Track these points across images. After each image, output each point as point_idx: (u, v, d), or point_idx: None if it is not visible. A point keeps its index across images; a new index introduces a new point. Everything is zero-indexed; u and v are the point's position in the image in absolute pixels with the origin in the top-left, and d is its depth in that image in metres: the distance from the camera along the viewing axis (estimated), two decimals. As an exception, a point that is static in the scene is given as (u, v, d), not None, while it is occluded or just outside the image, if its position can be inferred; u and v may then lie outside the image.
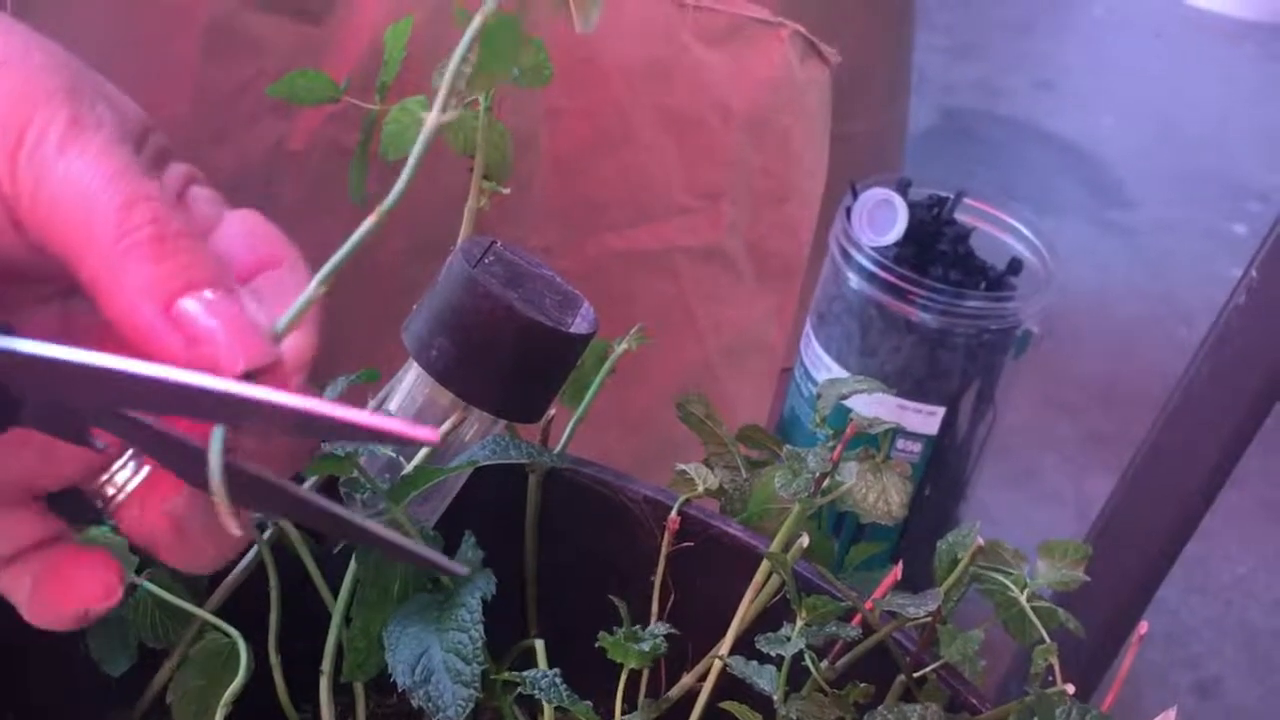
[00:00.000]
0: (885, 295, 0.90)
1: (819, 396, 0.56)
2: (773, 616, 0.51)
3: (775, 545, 0.52)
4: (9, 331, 0.33)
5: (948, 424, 0.93)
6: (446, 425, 0.52)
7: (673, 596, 0.56)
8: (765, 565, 0.52)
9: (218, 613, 0.53)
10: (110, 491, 0.36)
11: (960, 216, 0.97)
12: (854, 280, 0.92)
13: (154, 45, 0.68)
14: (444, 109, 0.35)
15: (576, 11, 0.38)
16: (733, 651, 0.52)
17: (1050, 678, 0.47)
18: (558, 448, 0.57)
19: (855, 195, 0.93)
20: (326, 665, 0.54)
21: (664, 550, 0.55)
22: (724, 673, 0.51)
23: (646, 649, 0.50)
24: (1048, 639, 0.48)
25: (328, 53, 0.71)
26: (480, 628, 0.50)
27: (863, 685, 0.49)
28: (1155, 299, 1.60)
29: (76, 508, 0.38)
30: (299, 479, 0.51)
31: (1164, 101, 2.13)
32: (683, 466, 0.57)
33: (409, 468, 0.52)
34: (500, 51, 0.36)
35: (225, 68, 0.70)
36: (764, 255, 0.84)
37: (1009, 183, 1.80)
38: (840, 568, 0.58)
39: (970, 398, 0.93)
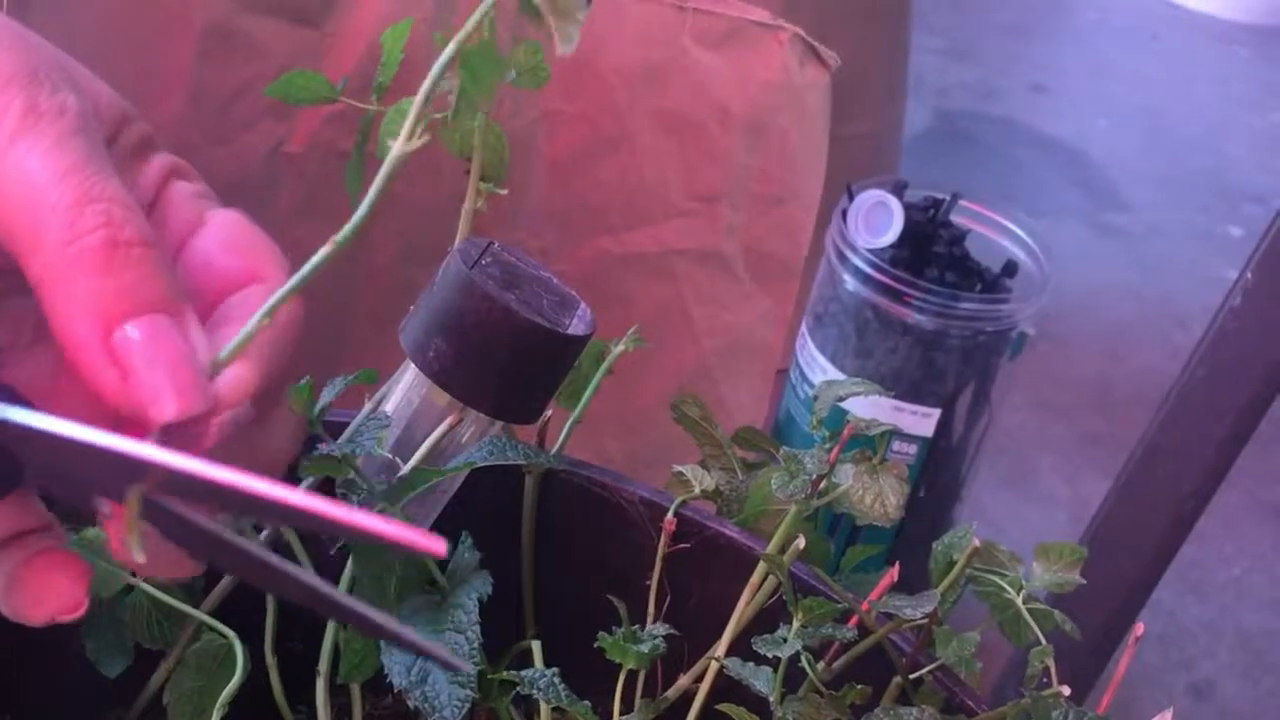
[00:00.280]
0: (881, 297, 0.90)
1: (816, 398, 0.57)
2: (769, 618, 0.51)
3: (772, 547, 0.52)
4: (10, 398, 0.31)
5: (943, 426, 0.93)
6: (443, 427, 0.52)
7: (669, 598, 0.56)
8: (762, 567, 0.52)
9: (214, 613, 0.53)
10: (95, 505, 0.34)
11: (956, 219, 0.97)
12: (850, 282, 0.92)
13: (151, 47, 0.68)
14: (410, 137, 0.34)
15: (558, 33, 0.38)
16: (729, 653, 0.52)
17: (1046, 679, 0.47)
18: (554, 449, 0.57)
19: (851, 197, 0.93)
20: (323, 666, 0.54)
21: (660, 551, 0.55)
22: (720, 674, 0.51)
23: (646, 650, 0.51)
24: (1044, 641, 0.48)
25: (325, 56, 0.71)
26: (477, 629, 0.50)
27: (859, 687, 0.49)
28: (1150, 301, 1.61)
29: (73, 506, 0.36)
30: (295, 480, 0.51)
31: (1158, 104, 2.13)
32: (679, 468, 0.57)
33: (406, 469, 0.52)
34: (481, 78, 0.35)
35: (222, 70, 0.70)
36: (762, 258, 0.84)
37: (1004, 185, 1.81)
38: (836, 570, 0.58)
39: (965, 400, 0.93)
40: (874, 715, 0.47)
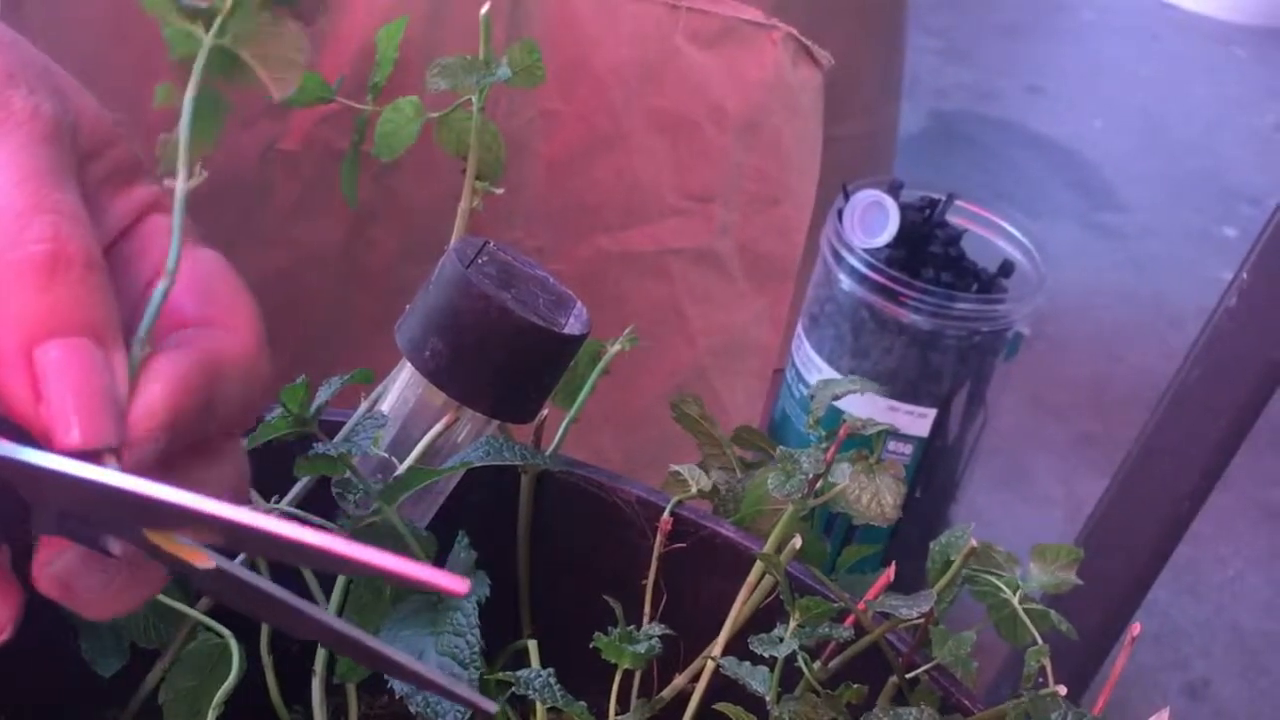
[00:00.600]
0: (877, 297, 0.90)
1: (813, 398, 0.57)
2: (765, 617, 0.51)
3: (768, 546, 0.52)
4: (14, 435, 0.30)
5: (939, 426, 0.93)
6: (439, 426, 0.52)
7: (665, 597, 0.56)
8: (758, 566, 0.52)
9: (210, 613, 0.53)
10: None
11: (951, 219, 0.97)
12: (846, 282, 0.92)
13: (146, 45, 0.68)
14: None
15: (273, 84, 0.38)
16: (725, 652, 0.52)
17: (1042, 679, 0.47)
18: (551, 448, 0.57)
19: (847, 197, 0.93)
20: (319, 666, 0.54)
21: (656, 551, 0.55)
22: (717, 673, 0.51)
23: (642, 650, 0.50)
24: (1040, 640, 0.48)
25: (320, 54, 0.71)
26: (477, 632, 0.50)
27: (855, 686, 0.49)
28: (1146, 302, 1.61)
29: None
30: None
31: (1154, 105, 2.13)
32: (676, 467, 0.57)
33: (401, 468, 0.52)
34: (203, 128, 0.36)
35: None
36: (756, 257, 0.84)
37: (1000, 186, 1.81)
38: (832, 570, 0.58)
39: (961, 400, 0.93)
40: (870, 715, 0.47)
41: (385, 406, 0.53)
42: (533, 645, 0.56)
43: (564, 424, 0.57)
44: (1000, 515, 1.23)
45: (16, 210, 0.30)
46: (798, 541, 0.49)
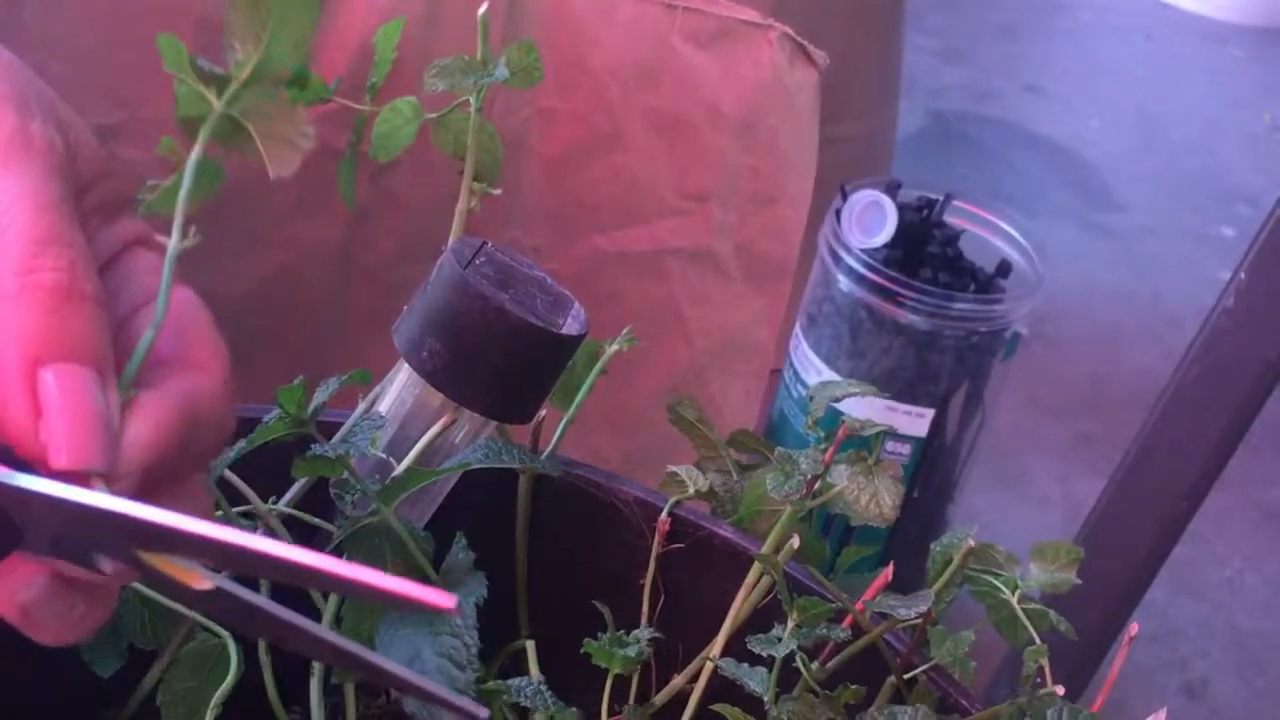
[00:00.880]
0: (874, 297, 0.90)
1: (811, 399, 0.57)
2: (763, 618, 0.51)
3: (766, 547, 0.52)
4: (11, 462, 0.31)
5: (937, 426, 0.93)
6: (437, 427, 0.52)
7: (663, 598, 0.56)
8: (756, 567, 0.52)
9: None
10: None
11: (949, 219, 0.97)
12: (843, 282, 0.92)
13: (144, 44, 0.68)
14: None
15: (270, 159, 0.38)
16: (724, 653, 0.52)
17: (1040, 679, 0.47)
18: (548, 449, 0.57)
19: (845, 197, 0.93)
20: (317, 667, 0.54)
21: (654, 552, 0.55)
22: (715, 674, 0.51)
23: (631, 654, 0.50)
24: (1038, 640, 0.48)
25: (318, 54, 0.71)
26: (474, 633, 0.50)
27: (853, 687, 0.49)
28: (1143, 301, 1.61)
29: None
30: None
31: (1151, 104, 2.13)
32: (673, 468, 0.57)
33: (399, 469, 0.52)
34: (198, 191, 0.37)
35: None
36: (753, 257, 0.84)
37: (998, 186, 1.81)
38: (831, 571, 0.58)
39: (959, 400, 0.93)
40: (868, 715, 0.47)
41: (383, 407, 0.53)
42: (530, 646, 0.56)
43: (562, 424, 0.57)
44: (998, 515, 1.23)
45: (34, 237, 0.31)
46: (796, 542, 0.49)
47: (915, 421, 0.93)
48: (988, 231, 0.98)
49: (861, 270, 0.90)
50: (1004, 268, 0.95)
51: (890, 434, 0.92)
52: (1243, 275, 0.73)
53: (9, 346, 0.31)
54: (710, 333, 0.85)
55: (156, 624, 0.53)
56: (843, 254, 0.91)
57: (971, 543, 0.48)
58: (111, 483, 0.32)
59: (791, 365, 0.99)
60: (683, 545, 0.55)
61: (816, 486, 0.51)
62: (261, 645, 0.54)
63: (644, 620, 0.55)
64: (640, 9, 0.77)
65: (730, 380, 0.87)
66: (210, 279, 0.39)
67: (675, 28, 0.77)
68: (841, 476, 0.51)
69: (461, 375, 0.49)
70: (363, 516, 0.51)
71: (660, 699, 0.55)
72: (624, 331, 0.57)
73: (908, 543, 0.96)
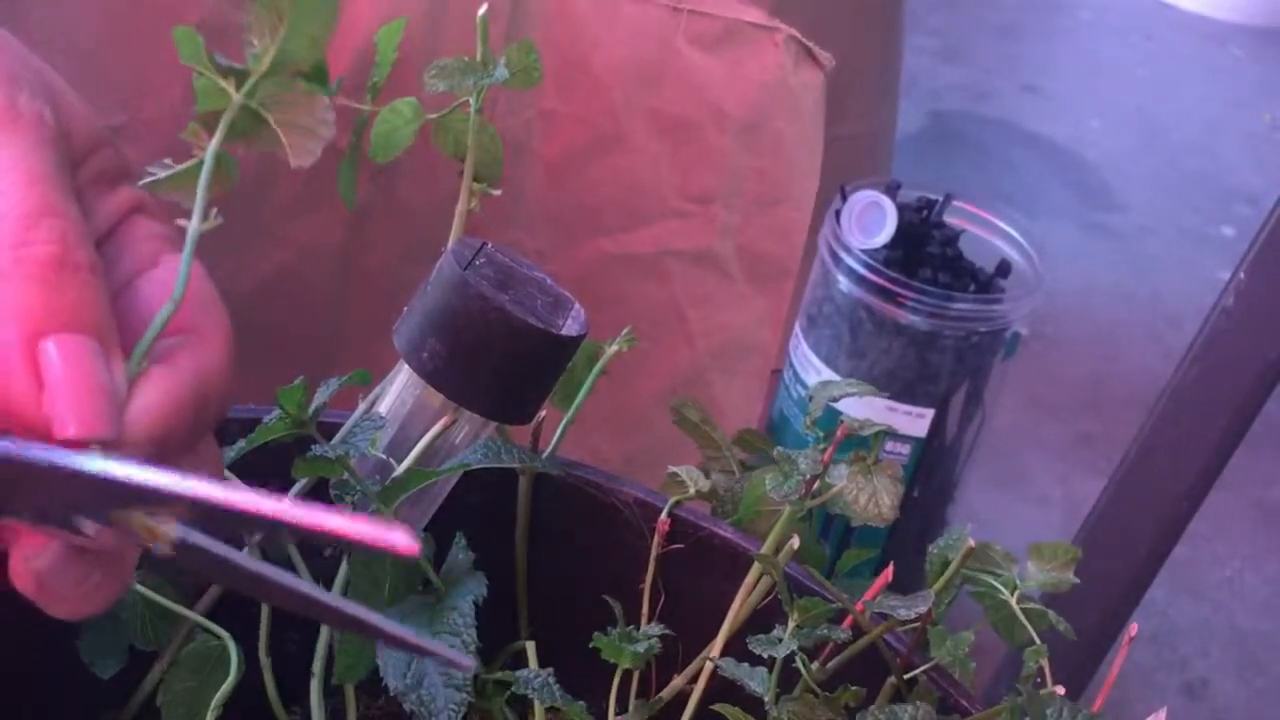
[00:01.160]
0: (874, 297, 0.90)
1: (811, 399, 0.57)
2: (764, 618, 0.51)
3: (766, 547, 0.52)
4: None
5: (936, 426, 0.93)
6: (437, 427, 0.52)
7: (663, 598, 0.56)
8: (756, 567, 0.52)
9: (208, 614, 0.53)
10: None
11: (949, 219, 0.97)
12: (843, 283, 0.92)
13: (144, 44, 0.68)
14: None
15: (292, 149, 0.38)
16: (724, 653, 0.52)
17: (1040, 679, 0.47)
18: (549, 450, 0.57)
19: (844, 198, 0.93)
20: (317, 667, 0.54)
21: (654, 552, 0.55)
22: (715, 674, 0.51)
23: (641, 650, 0.51)
24: (1038, 640, 0.48)
25: (318, 54, 0.71)
26: (473, 632, 0.50)
27: (854, 687, 0.49)
28: (1143, 301, 1.61)
29: None
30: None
31: (1150, 104, 2.13)
32: (674, 469, 0.57)
33: (399, 470, 0.52)
34: (218, 179, 0.37)
35: (215, 68, 0.70)
36: (756, 258, 0.84)
37: (997, 186, 1.81)
38: (831, 573, 0.58)
39: (959, 400, 0.93)
40: (868, 714, 0.47)
41: (383, 408, 0.53)
42: (530, 646, 0.56)
43: (562, 425, 0.57)
44: (998, 515, 1.23)
45: (25, 210, 0.31)
46: (795, 542, 0.49)
47: (915, 421, 0.93)
48: (987, 231, 0.98)
49: (861, 270, 0.90)
50: (1004, 268, 0.95)
51: (890, 434, 0.92)
52: (1242, 275, 0.73)
53: (7, 322, 0.31)
54: (712, 334, 0.85)
55: (157, 624, 0.53)
56: (842, 254, 0.91)
57: (970, 543, 0.48)
58: (120, 451, 0.31)
59: (791, 365, 0.99)
60: (683, 546, 0.55)
61: (816, 486, 0.51)
62: (261, 646, 0.55)
63: (644, 620, 0.55)
64: (643, 10, 0.77)
65: (731, 381, 0.87)
66: (211, 279, 0.39)
67: (680, 30, 0.77)
68: (841, 476, 0.51)
69: (461, 376, 0.49)
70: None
71: (663, 696, 0.55)
72: (624, 332, 0.57)
73: (907, 543, 0.96)
